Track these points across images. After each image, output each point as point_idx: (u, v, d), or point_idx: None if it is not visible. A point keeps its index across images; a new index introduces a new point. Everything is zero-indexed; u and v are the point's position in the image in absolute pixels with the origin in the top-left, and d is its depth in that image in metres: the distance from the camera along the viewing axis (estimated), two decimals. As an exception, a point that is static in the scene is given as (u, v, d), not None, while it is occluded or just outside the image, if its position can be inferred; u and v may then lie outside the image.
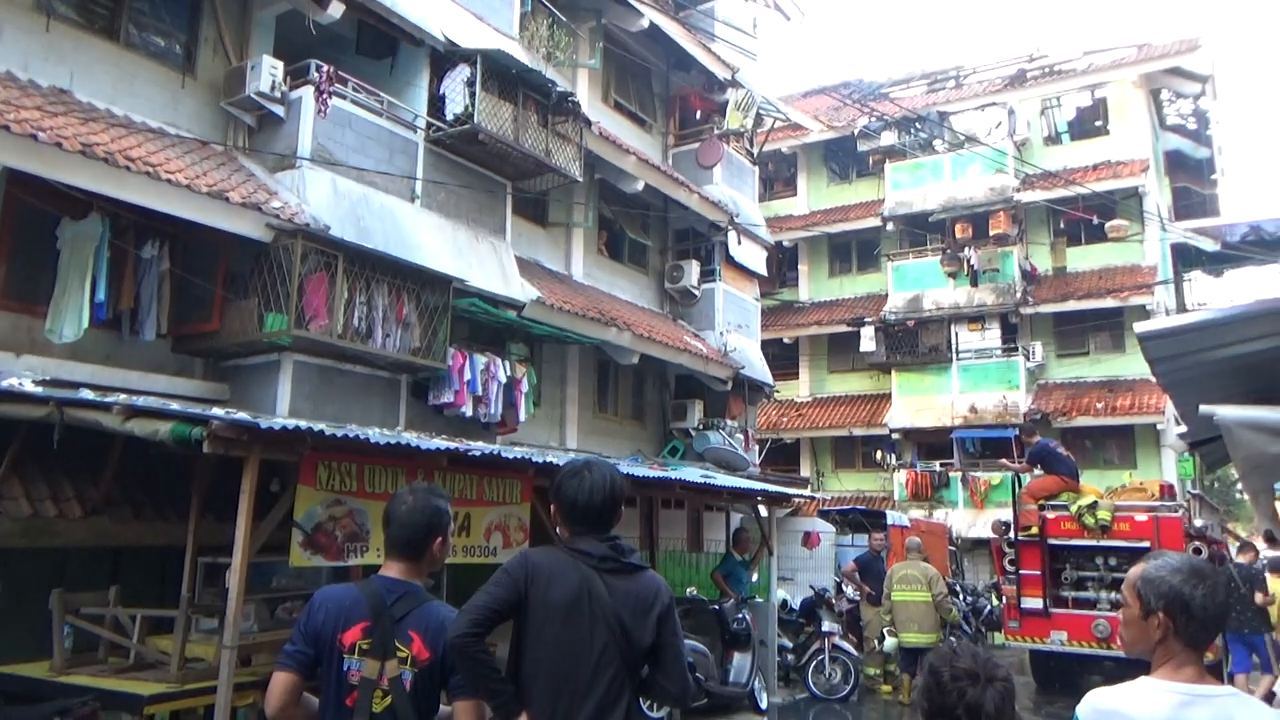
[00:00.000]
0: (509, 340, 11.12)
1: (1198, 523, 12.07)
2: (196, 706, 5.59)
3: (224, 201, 7.72)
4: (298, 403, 8.42)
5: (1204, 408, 2.77)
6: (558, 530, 2.96)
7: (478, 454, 6.55)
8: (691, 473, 10.77)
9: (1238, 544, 25.70)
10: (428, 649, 2.75)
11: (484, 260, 10.51)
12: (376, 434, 6.51)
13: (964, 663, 2.21)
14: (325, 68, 8.92)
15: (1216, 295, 27.03)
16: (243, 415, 5.69)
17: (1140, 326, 2.77)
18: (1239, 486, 35.36)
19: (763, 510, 11.71)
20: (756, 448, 17.12)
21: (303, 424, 5.74)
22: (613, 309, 12.80)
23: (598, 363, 13.42)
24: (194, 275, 8.25)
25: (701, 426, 14.62)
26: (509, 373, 10.55)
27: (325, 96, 8.80)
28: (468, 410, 10.03)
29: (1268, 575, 10.18)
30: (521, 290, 10.80)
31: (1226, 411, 2.73)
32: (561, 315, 11.29)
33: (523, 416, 10.80)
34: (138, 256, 7.94)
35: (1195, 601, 2.27)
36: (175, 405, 6.11)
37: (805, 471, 24.37)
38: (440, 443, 6.66)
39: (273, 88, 8.73)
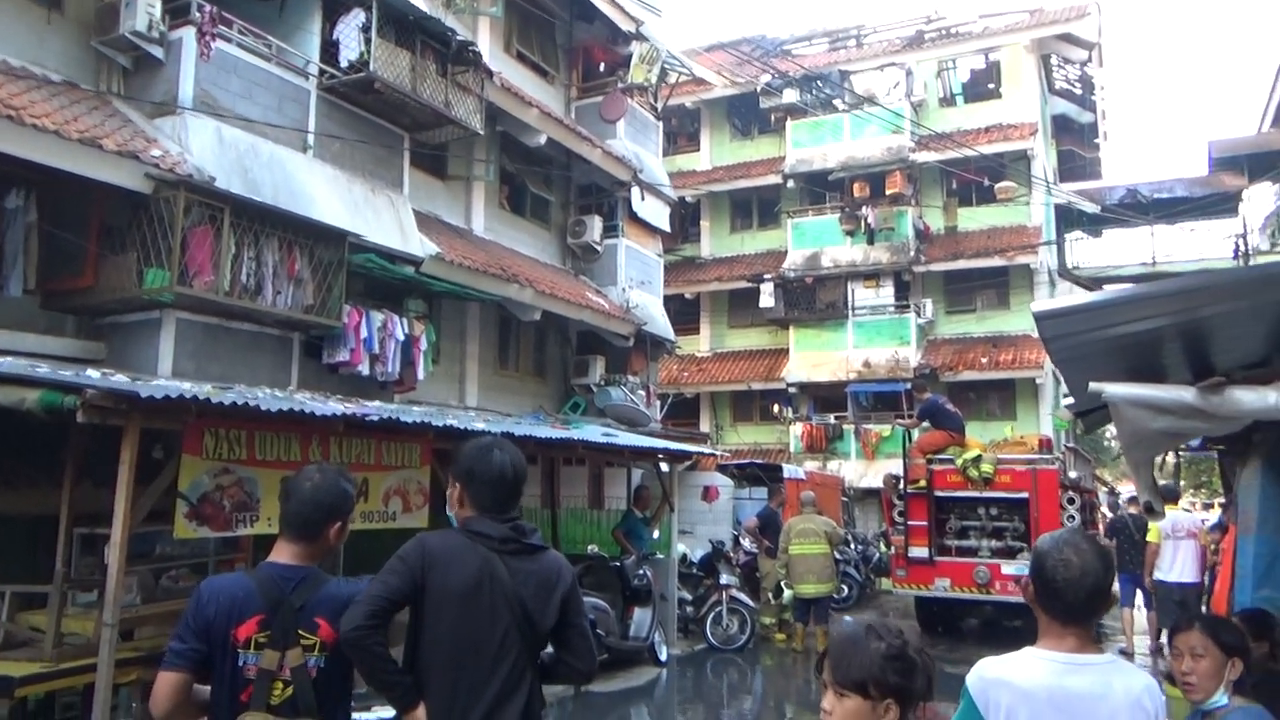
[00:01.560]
0: (407, 297, 10.82)
1: (1072, 474, 12.77)
2: (74, 686, 5.32)
3: (97, 149, 7.21)
4: (181, 362, 8.04)
5: (1094, 385, 2.85)
6: (455, 511, 2.85)
7: (375, 419, 6.36)
8: (593, 431, 10.77)
9: (1106, 489, 27.21)
10: (336, 630, 2.63)
11: (380, 214, 10.16)
12: (267, 397, 6.26)
13: (917, 642, 2.22)
14: (208, 7, 8.38)
15: (1094, 256, 28.34)
16: (121, 379, 5.38)
17: (1036, 307, 2.83)
18: (1108, 437, 37.45)
19: (664, 466, 11.81)
20: (658, 403, 17.22)
21: (187, 390, 5.45)
22: (514, 265, 12.59)
23: (499, 319, 13.21)
24: (65, 228, 7.72)
25: (603, 382, 14.60)
26: (407, 330, 10.28)
27: (208, 38, 8.28)
28: (364, 369, 9.75)
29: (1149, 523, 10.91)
30: (420, 246, 10.49)
31: (1114, 389, 2.82)
32: (461, 271, 11.03)
33: (421, 374, 10.57)
34: (1, 207, 7.37)
35: (1045, 569, 2.34)
36: (44, 367, 5.72)
37: (705, 425, 24.72)
38: (336, 407, 6.44)
39: (150, 27, 8.16)
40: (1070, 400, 4.38)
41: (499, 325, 13.39)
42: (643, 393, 15.35)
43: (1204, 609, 10.06)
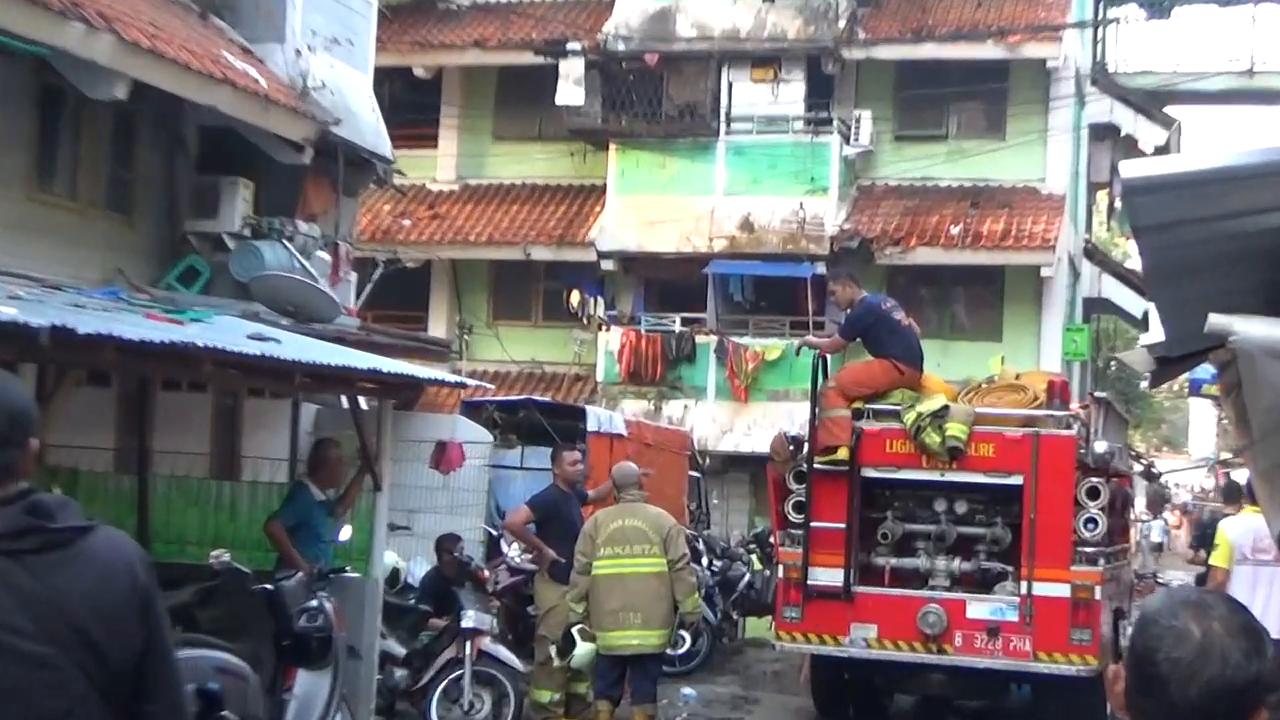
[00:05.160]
0: None
1: (1100, 446, 13.32)
2: None
3: None
4: None
5: (1215, 318, 2.91)
6: None
7: None
8: (230, 328, 10.46)
9: (1142, 465, 29.22)
10: None
11: None
12: None
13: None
14: None
15: (1155, 53, 29.82)
16: None
17: (1128, 168, 2.85)
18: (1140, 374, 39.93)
19: (365, 403, 11.66)
20: (353, 277, 16.92)
21: None
22: (79, -13, 11.93)
23: (41, 93, 12.71)
24: None
25: (250, 231, 14.32)
26: None
27: None
28: None
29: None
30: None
31: (1252, 329, 2.89)
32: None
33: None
34: None
35: (1146, 643, 2.40)
36: None
37: (440, 324, 24.64)
38: None
39: None
40: (1154, 338, 4.53)
41: (41, 106, 12.87)
42: (326, 256, 15.08)
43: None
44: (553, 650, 12.28)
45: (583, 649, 11.63)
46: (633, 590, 11.27)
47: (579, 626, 11.59)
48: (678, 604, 11.60)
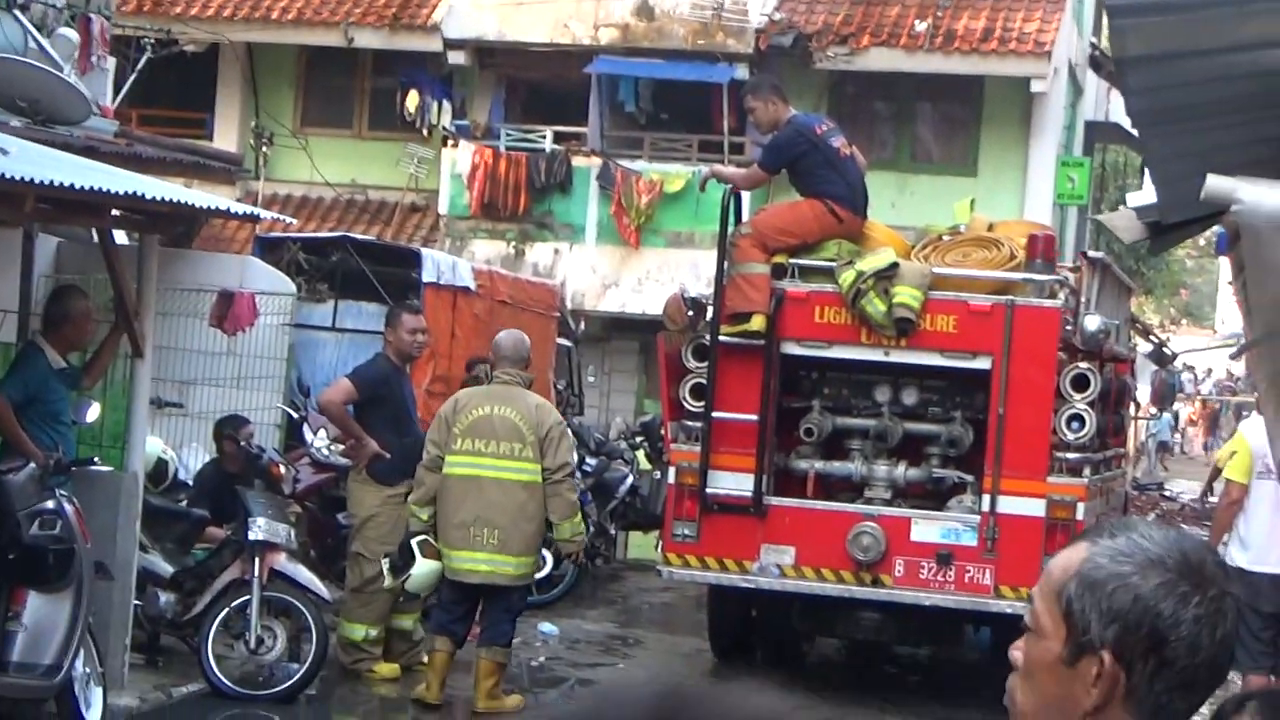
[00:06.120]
0: None
1: (1092, 322, 13.46)
2: None
3: None
4: None
5: (1215, 181, 3.03)
6: None
7: None
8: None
9: (1152, 344, 29.50)
10: None
11: None
12: None
13: None
14: None
15: None
16: None
17: (1111, -19, 2.94)
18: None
19: (123, 236, 11.59)
20: (111, 64, 16.71)
21: None
22: None
23: None
24: None
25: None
26: None
27: None
28: None
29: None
30: None
31: (1261, 197, 3.01)
32: None
33: None
34: None
35: (1179, 628, 2.46)
36: None
37: (228, 132, 24.36)
38: None
39: None
40: (1147, 198, 4.66)
41: None
42: (73, 34, 14.89)
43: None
44: (385, 566, 12.36)
45: (423, 568, 11.70)
46: (492, 501, 11.37)
47: (421, 538, 11.68)
48: (551, 527, 11.75)
